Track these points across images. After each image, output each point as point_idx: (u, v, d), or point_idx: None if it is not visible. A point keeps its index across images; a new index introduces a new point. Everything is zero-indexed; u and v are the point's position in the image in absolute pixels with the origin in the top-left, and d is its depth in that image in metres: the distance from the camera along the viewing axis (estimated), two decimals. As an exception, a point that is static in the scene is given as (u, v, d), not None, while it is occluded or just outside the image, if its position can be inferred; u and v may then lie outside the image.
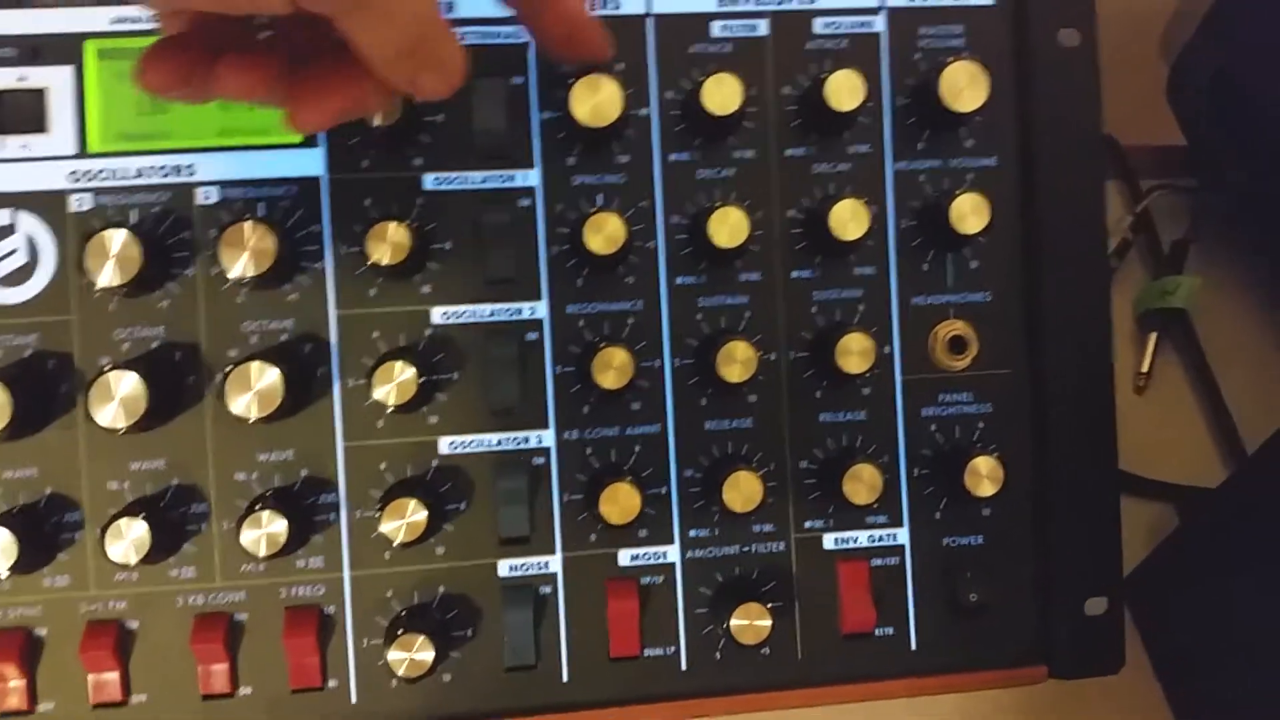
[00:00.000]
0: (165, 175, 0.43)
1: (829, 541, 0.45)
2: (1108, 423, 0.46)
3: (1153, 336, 0.65)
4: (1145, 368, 0.64)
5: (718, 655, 0.44)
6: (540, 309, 0.43)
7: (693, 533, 0.44)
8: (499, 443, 0.43)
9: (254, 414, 0.39)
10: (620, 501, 0.42)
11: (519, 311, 0.43)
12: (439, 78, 0.35)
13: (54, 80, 0.43)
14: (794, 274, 0.45)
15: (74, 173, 0.42)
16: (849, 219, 0.42)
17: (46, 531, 0.41)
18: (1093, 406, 0.46)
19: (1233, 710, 0.53)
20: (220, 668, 0.41)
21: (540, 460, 0.44)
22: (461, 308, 0.43)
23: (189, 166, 0.43)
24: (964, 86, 0.43)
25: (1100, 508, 0.46)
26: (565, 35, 0.40)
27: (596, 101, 0.41)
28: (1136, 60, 0.68)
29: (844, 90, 0.42)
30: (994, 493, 0.43)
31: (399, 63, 0.34)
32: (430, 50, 0.35)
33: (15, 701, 0.41)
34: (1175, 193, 0.67)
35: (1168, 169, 0.68)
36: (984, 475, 0.43)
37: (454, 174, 0.43)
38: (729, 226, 0.42)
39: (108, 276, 0.40)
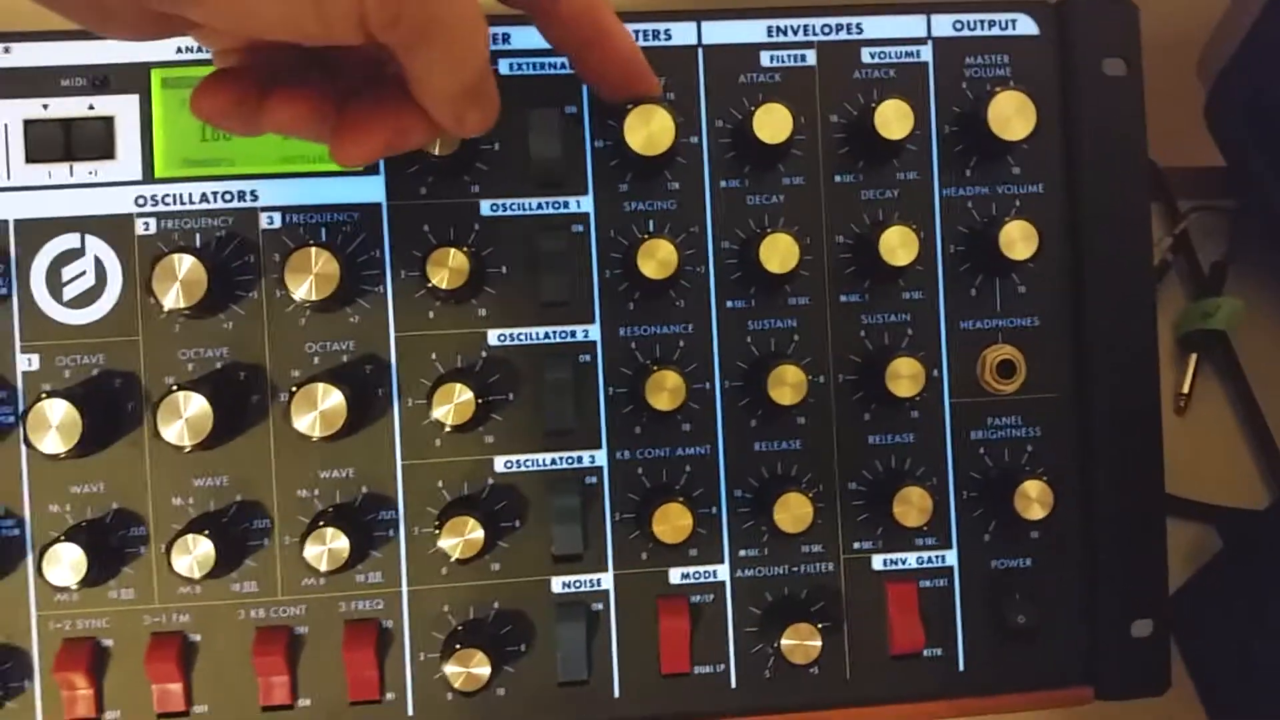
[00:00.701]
0: (229, 200, 0.44)
1: (878, 563, 0.45)
2: (1154, 446, 0.46)
3: (1193, 358, 0.65)
4: (1186, 389, 0.65)
5: (767, 674, 0.45)
6: (593, 332, 0.44)
7: (742, 552, 0.45)
8: (553, 462, 0.44)
9: (317, 433, 0.40)
10: (672, 521, 0.42)
11: (572, 334, 0.44)
12: (485, 116, 0.37)
13: (121, 108, 0.44)
14: (843, 298, 0.45)
15: (140, 198, 0.44)
16: (898, 245, 0.43)
17: (113, 546, 0.42)
18: (1139, 430, 0.46)
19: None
20: (280, 680, 0.42)
21: (593, 480, 0.44)
22: (517, 330, 0.44)
23: (252, 192, 0.44)
24: (1012, 115, 0.44)
25: (1146, 530, 0.46)
26: (619, 76, 0.41)
27: (650, 131, 0.42)
28: (1175, 82, 0.68)
29: (893, 119, 0.43)
30: (1043, 516, 0.44)
31: (456, 100, 0.35)
32: (485, 89, 0.36)
33: (83, 709, 0.42)
34: (1214, 214, 0.67)
35: (1206, 190, 0.68)
36: (1034, 499, 0.44)
37: (510, 200, 0.44)
38: (780, 253, 0.43)
39: (174, 299, 0.41)
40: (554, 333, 0.44)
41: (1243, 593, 0.56)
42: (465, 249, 0.42)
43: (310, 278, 0.40)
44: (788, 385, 0.43)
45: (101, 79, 0.44)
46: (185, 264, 0.41)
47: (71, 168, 0.44)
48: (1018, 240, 0.43)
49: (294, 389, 0.40)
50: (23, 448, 0.42)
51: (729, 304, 0.45)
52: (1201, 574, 0.58)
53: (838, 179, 0.45)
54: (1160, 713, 0.51)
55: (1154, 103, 0.48)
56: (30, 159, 0.43)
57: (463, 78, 0.34)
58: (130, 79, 0.44)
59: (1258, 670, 0.54)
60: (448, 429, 0.42)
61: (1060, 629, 0.46)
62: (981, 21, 0.46)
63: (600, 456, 0.44)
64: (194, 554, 0.41)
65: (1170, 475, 0.47)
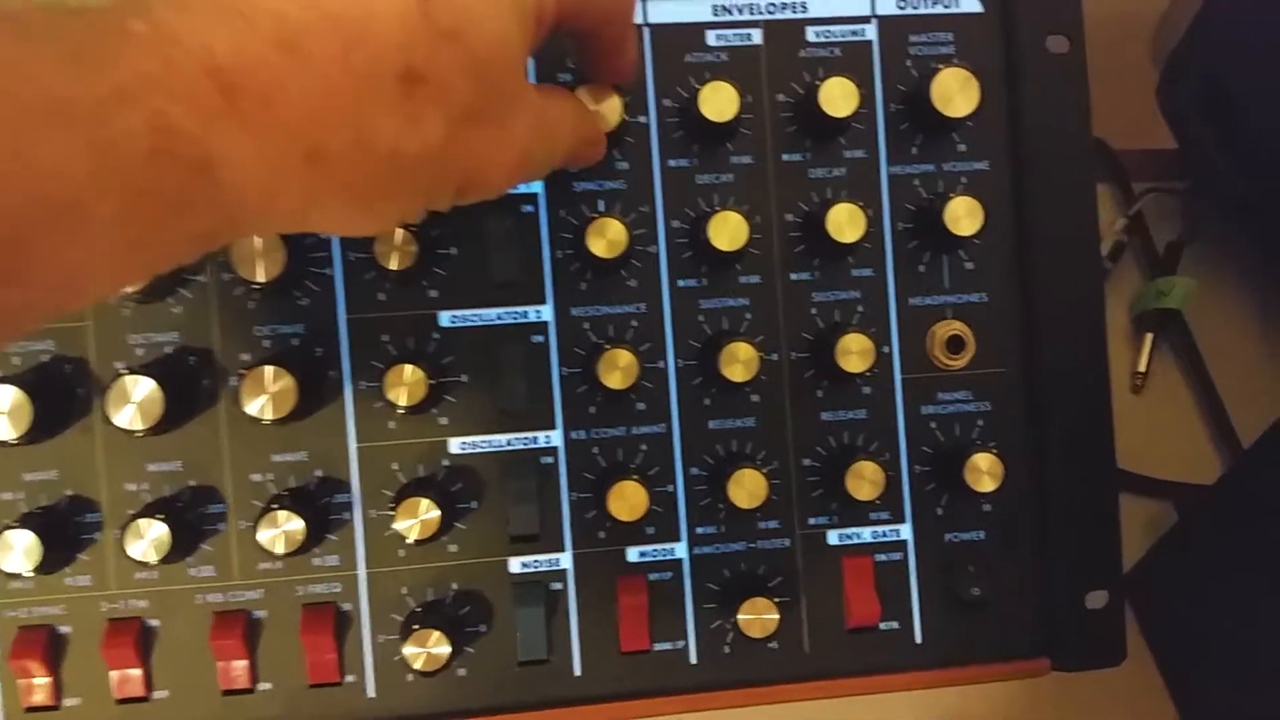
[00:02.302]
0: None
1: (833, 538, 0.46)
2: (1104, 417, 0.47)
3: (1148, 337, 0.66)
4: (1142, 368, 0.65)
5: (726, 649, 0.45)
6: (546, 312, 0.45)
7: (699, 530, 0.45)
8: (508, 443, 0.44)
9: (268, 416, 0.41)
10: (629, 499, 0.43)
11: (525, 315, 0.44)
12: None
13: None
14: (793, 276, 0.46)
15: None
16: (846, 222, 0.44)
17: (67, 532, 0.42)
18: (1089, 401, 0.47)
19: (1234, 699, 0.54)
20: (239, 664, 0.42)
21: (549, 460, 0.45)
22: (469, 311, 0.44)
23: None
24: (955, 92, 0.44)
25: (1098, 501, 0.47)
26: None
27: (597, 110, 0.42)
28: (1127, 64, 0.69)
29: (838, 97, 0.44)
30: (994, 488, 0.44)
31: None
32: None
33: (41, 697, 0.42)
34: (1168, 195, 0.68)
35: (1160, 172, 0.69)
36: (984, 471, 0.44)
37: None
38: (729, 230, 0.43)
39: (125, 285, 0.41)
40: (506, 313, 0.44)
41: (1198, 563, 0.57)
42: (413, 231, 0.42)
43: (259, 260, 0.41)
44: (740, 362, 0.43)
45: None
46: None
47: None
48: (963, 216, 0.44)
49: (242, 372, 0.41)
50: (-26, 436, 0.42)
51: (680, 283, 0.45)
52: (1158, 547, 0.59)
53: (785, 158, 0.46)
54: (1120, 681, 0.52)
55: (1108, 86, 0.49)
56: None
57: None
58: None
59: (1214, 637, 0.55)
60: (401, 410, 0.42)
61: (1016, 601, 0.47)
62: (925, 0, 0.47)
63: (555, 436, 0.45)
64: (148, 538, 0.40)
65: (1128, 453, 0.48)
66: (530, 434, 0.45)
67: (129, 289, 0.41)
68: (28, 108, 0.22)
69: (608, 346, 0.43)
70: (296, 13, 0.26)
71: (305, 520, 0.41)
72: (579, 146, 0.40)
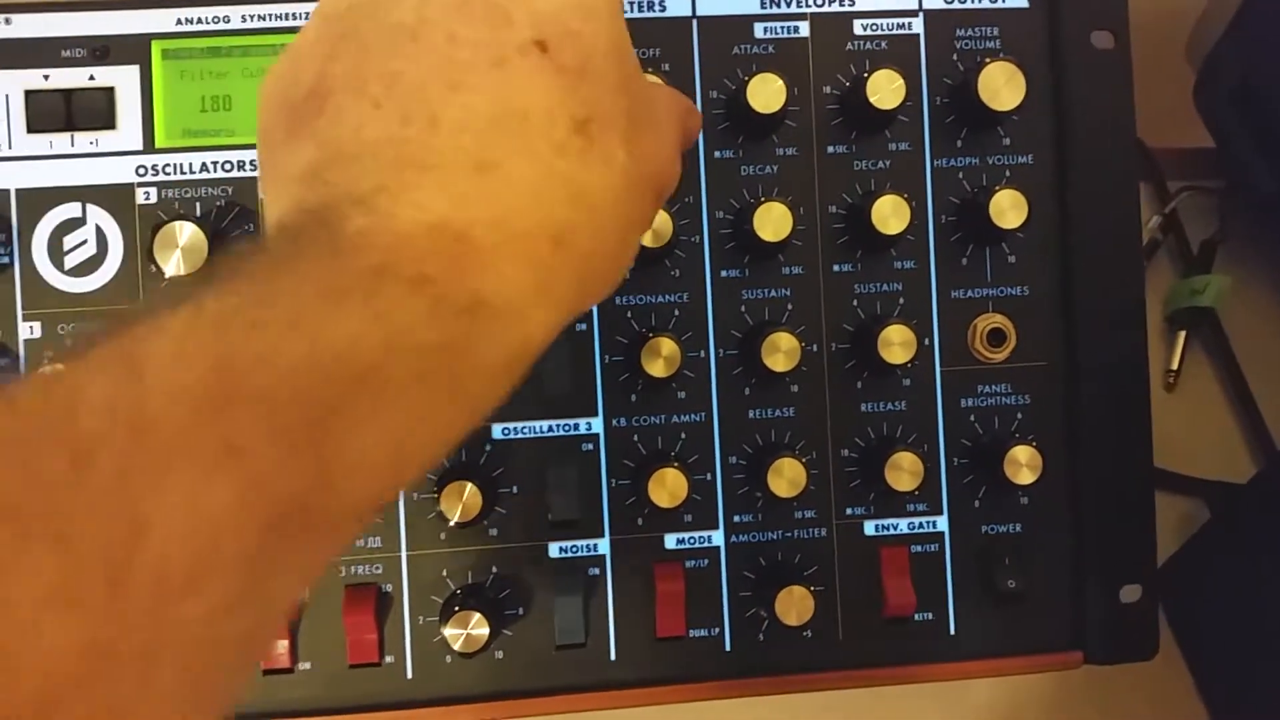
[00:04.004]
0: (229, 170, 0.44)
1: (870, 528, 0.46)
2: (1143, 412, 0.47)
3: (1182, 335, 0.66)
4: (1175, 365, 0.65)
5: (761, 637, 0.45)
6: (589, 300, 0.45)
7: (736, 518, 0.45)
8: (549, 429, 0.45)
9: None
10: (669, 485, 0.43)
11: (569, 302, 0.45)
12: None
13: (122, 79, 0.44)
14: (835, 268, 0.46)
15: (141, 168, 0.44)
16: (890, 214, 0.44)
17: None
18: (1128, 397, 0.47)
19: (1263, 698, 0.54)
20: (280, 644, 0.43)
21: (589, 446, 0.45)
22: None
23: (251, 161, 0.44)
24: (1001, 86, 0.44)
25: (1134, 496, 0.47)
26: None
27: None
28: (1164, 63, 0.69)
29: (885, 89, 0.44)
30: (1033, 481, 0.44)
31: None
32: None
33: None
34: (1203, 194, 0.68)
35: (1196, 171, 0.69)
36: (1023, 464, 0.45)
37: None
38: (773, 221, 0.43)
39: (175, 266, 0.42)
40: (550, 301, 0.45)
41: (1230, 562, 0.57)
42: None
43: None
44: (781, 352, 0.43)
45: (102, 50, 0.44)
46: (186, 231, 0.41)
47: (73, 138, 0.44)
48: (1008, 209, 0.44)
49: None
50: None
51: (723, 273, 0.46)
52: (1189, 545, 0.59)
53: (830, 150, 0.46)
54: (1149, 679, 0.52)
55: (1145, 84, 0.49)
56: (31, 129, 0.44)
57: None
58: (131, 50, 0.44)
59: (1244, 636, 0.55)
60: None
61: (1050, 594, 0.47)
62: (972, -6, 0.47)
63: (597, 424, 0.45)
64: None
65: (1161, 450, 0.48)
66: (572, 421, 0.45)
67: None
68: (310, 296, 0.23)
69: (651, 335, 0.43)
70: (469, 140, 0.26)
71: (350, 502, 0.41)
72: (690, 121, 0.38)
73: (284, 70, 0.29)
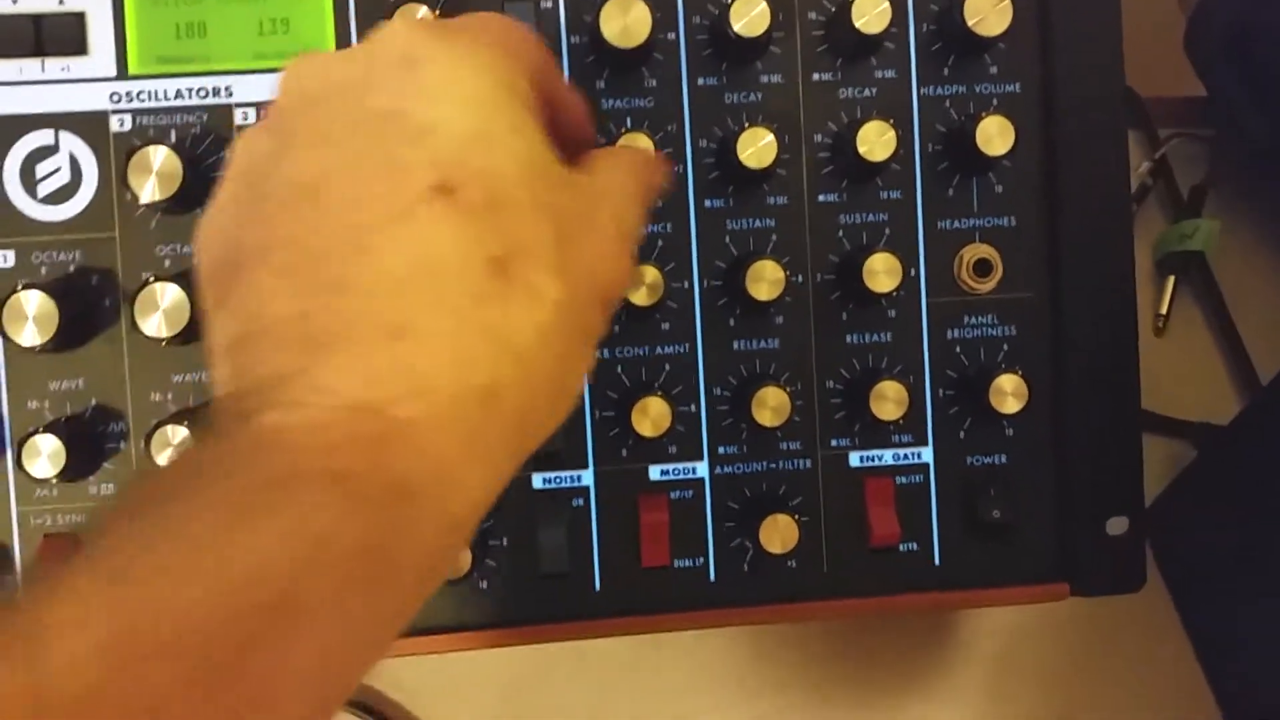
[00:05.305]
0: (204, 97, 0.44)
1: (855, 459, 0.46)
2: (1129, 344, 0.46)
3: (1171, 279, 0.66)
4: (1164, 309, 0.65)
5: (745, 567, 0.45)
6: (572, 229, 0.44)
7: (721, 449, 0.45)
8: (532, 359, 0.44)
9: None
10: (652, 414, 0.43)
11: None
12: None
13: (93, 4, 0.43)
14: (821, 198, 0.46)
15: (114, 94, 0.43)
16: (876, 140, 0.43)
17: (93, 441, 0.42)
18: (1114, 328, 0.46)
19: (1245, 631, 0.54)
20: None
21: (572, 376, 0.44)
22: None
23: (227, 88, 0.44)
24: (988, 11, 0.44)
25: (1121, 427, 0.47)
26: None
27: (626, 22, 0.42)
28: (1157, 12, 0.68)
29: (870, 15, 0.43)
30: (1018, 410, 0.44)
31: None
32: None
33: None
34: (1193, 140, 0.68)
35: (1186, 119, 0.68)
36: (1009, 393, 0.44)
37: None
38: (757, 148, 0.43)
39: (150, 192, 0.41)
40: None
41: (1214, 498, 0.57)
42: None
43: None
44: (766, 281, 0.43)
45: (73, -25, 0.43)
46: (160, 156, 0.41)
47: (43, 64, 0.43)
48: (995, 135, 0.44)
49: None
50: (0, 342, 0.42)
51: (707, 203, 0.45)
52: (1176, 483, 0.59)
53: (815, 77, 0.45)
54: (1134, 612, 0.52)
55: (1135, 32, 0.49)
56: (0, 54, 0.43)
57: None
58: (102, -25, 0.43)
59: (1229, 572, 0.55)
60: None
61: (1036, 525, 0.47)
62: (959, -82, 0.46)
63: (579, 354, 0.45)
64: (174, 445, 0.41)
65: (1149, 393, 0.48)
66: (554, 350, 0.44)
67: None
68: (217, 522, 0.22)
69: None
70: (380, 305, 0.25)
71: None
72: (651, 179, 0.36)
73: (208, 235, 0.28)
